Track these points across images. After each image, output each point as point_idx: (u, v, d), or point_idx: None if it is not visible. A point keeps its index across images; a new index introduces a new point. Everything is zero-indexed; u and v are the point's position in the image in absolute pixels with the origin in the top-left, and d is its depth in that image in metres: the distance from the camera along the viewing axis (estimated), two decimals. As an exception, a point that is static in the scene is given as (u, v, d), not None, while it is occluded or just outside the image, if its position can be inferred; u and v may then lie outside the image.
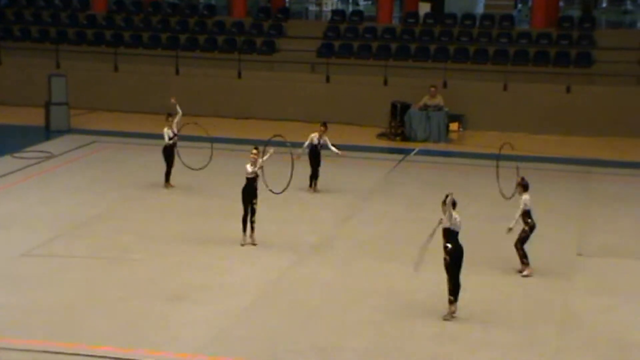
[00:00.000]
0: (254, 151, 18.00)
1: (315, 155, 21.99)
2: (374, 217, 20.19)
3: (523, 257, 16.53)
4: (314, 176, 22.07)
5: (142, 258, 17.14)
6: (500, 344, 13.89)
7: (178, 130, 21.57)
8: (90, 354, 13.17)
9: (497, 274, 16.48)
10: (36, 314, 14.50)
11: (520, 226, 16.38)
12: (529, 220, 16.33)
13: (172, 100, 21.82)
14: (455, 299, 14.53)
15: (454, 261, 14.33)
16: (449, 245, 14.28)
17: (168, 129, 21.49)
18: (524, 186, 16.44)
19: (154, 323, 14.32)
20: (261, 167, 17.88)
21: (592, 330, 14.48)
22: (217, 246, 17.94)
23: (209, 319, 14.49)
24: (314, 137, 21.84)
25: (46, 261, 16.94)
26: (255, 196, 17.92)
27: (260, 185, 17.94)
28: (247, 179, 17.95)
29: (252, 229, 17.99)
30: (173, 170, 21.69)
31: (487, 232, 18.33)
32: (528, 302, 15.57)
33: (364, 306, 15.15)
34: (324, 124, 21.96)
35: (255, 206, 17.92)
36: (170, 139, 21.50)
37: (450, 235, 14.35)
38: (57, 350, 13.23)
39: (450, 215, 14.31)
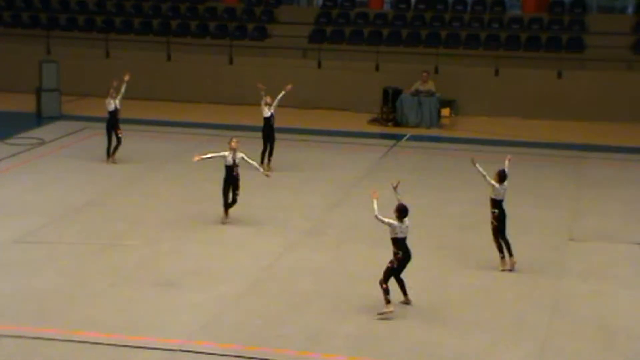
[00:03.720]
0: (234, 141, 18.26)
1: (268, 129, 21.93)
2: (365, 203, 20.08)
3: (498, 249, 16.14)
4: (269, 153, 21.97)
5: (133, 244, 17.15)
6: (490, 328, 13.93)
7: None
8: (81, 340, 13.19)
9: (488, 258, 16.49)
10: (27, 301, 14.51)
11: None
12: (495, 210, 15.99)
13: (126, 78, 22.73)
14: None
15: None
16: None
17: (112, 100, 22.54)
18: (499, 175, 16.00)
19: (146, 309, 14.33)
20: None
21: (581, 316, 14.52)
22: (208, 232, 17.96)
23: (201, 305, 14.51)
24: (265, 108, 21.84)
25: (37, 247, 16.94)
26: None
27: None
28: (227, 167, 18.18)
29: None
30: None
31: (478, 216, 18.31)
32: (519, 286, 15.60)
33: (355, 292, 15.17)
34: (266, 95, 21.97)
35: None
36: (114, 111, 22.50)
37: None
38: (49, 337, 13.24)
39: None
